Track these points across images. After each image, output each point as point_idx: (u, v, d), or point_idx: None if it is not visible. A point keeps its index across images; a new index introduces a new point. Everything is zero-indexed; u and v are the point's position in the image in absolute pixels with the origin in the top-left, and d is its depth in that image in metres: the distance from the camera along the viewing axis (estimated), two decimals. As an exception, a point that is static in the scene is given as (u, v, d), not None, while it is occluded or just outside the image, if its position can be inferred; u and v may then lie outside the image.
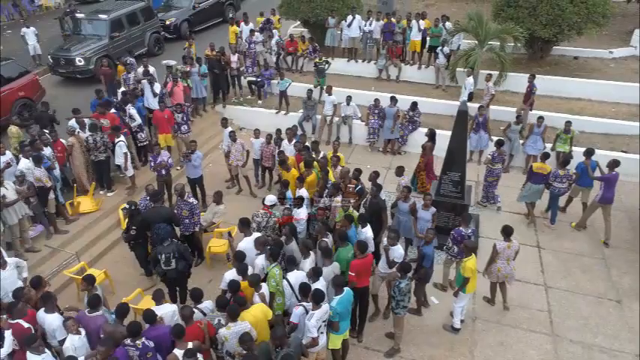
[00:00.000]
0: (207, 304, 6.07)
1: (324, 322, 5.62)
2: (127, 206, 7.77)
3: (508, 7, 13.21)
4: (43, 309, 5.81)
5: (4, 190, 7.60)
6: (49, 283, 7.13)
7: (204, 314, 5.88)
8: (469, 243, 6.85)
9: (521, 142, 10.81)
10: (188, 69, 12.15)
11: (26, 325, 5.42)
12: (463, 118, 8.17)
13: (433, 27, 13.59)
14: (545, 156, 9.24)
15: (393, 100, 11.41)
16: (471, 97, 12.01)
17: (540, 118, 10.60)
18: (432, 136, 10.00)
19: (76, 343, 5.37)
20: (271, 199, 7.76)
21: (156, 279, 8.02)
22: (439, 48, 13.20)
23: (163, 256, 6.71)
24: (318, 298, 5.55)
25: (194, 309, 5.87)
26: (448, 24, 13.57)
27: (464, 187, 8.53)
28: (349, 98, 11.92)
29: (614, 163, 8.55)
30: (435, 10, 18.25)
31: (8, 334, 5.45)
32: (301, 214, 7.63)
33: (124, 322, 5.67)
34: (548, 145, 10.68)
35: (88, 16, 15.78)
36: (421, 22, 13.70)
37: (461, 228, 7.30)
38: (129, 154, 9.58)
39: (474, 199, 9.73)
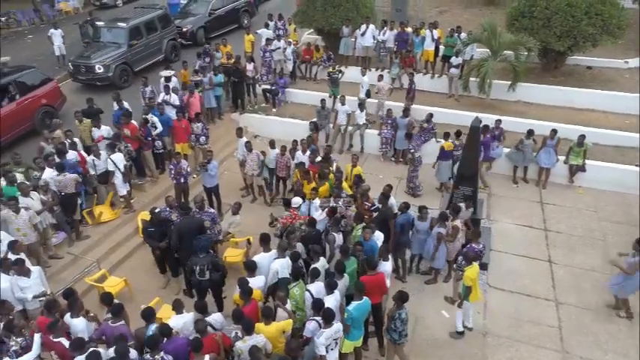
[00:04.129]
0: (217, 317, 6.20)
1: (334, 340, 5.75)
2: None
3: (522, 18, 13.23)
4: (68, 314, 6.07)
5: (29, 201, 7.90)
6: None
7: (215, 328, 5.99)
8: (468, 253, 7.00)
9: (534, 154, 10.86)
10: (199, 78, 12.39)
11: (67, 344, 5.61)
12: (475, 133, 8.28)
13: (448, 37, 13.66)
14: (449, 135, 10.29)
15: (406, 111, 11.53)
16: (368, 95, 12.73)
17: (553, 130, 10.64)
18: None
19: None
20: (297, 200, 8.10)
21: (174, 286, 8.31)
22: (453, 58, 13.28)
23: (198, 267, 6.94)
24: (328, 317, 5.68)
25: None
26: (463, 34, 13.63)
27: (476, 202, 8.63)
28: (361, 106, 12.10)
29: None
30: (448, 16, 18.31)
31: (37, 338, 5.68)
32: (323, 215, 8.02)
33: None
34: (562, 158, 10.74)
35: (107, 24, 16.14)
36: (434, 31, 13.80)
37: (473, 244, 7.40)
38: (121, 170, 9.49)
39: (486, 212, 9.82)
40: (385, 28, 14.36)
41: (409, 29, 14.37)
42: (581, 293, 8.12)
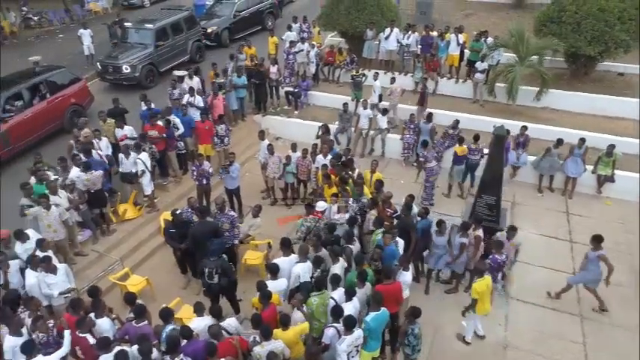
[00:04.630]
0: (231, 322, 6.21)
1: (355, 347, 5.75)
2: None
3: (551, 23, 12.96)
4: (93, 314, 6.19)
5: (57, 199, 8.10)
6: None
7: (229, 333, 6.01)
8: (480, 265, 6.91)
9: (561, 162, 10.61)
10: (222, 80, 12.51)
11: (92, 341, 5.75)
12: (500, 142, 8.14)
13: (474, 42, 13.47)
14: (463, 140, 10.31)
15: (429, 116, 11.41)
16: (381, 99, 12.66)
17: (581, 139, 10.39)
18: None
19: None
20: (322, 205, 8.14)
21: (195, 286, 8.41)
22: (478, 63, 13.09)
23: (207, 270, 7.01)
24: (349, 324, 5.67)
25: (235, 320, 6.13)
26: (489, 39, 13.43)
27: (499, 211, 8.48)
28: (385, 111, 12.02)
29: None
30: (474, 20, 18.07)
31: (67, 335, 5.82)
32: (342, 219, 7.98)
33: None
34: (589, 167, 10.48)
35: (135, 25, 16.45)
36: (460, 35, 13.63)
37: (496, 255, 7.28)
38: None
39: (509, 221, 9.63)
40: (409, 32, 14.25)
41: (434, 33, 14.24)
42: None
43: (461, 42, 13.58)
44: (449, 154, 11.06)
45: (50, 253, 7.19)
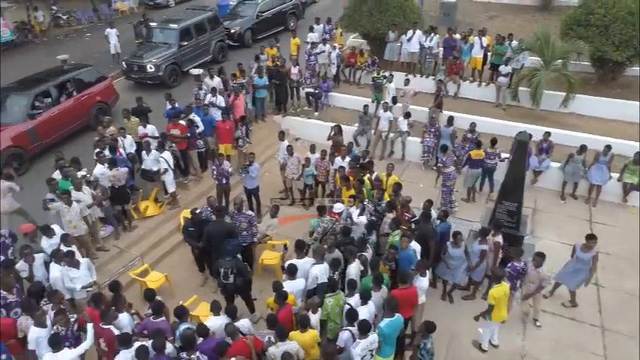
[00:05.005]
0: (245, 323, 6.25)
1: (370, 351, 5.74)
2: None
3: (578, 26, 12.67)
4: (113, 308, 6.33)
5: (81, 195, 8.32)
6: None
7: (243, 334, 6.05)
8: (497, 271, 6.82)
9: (585, 169, 10.38)
10: (243, 80, 12.63)
11: (117, 332, 5.92)
12: (523, 147, 8.01)
13: (498, 45, 13.28)
14: (481, 144, 10.19)
15: (450, 120, 11.31)
16: (394, 101, 12.47)
17: (607, 146, 10.14)
18: None
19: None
20: (339, 206, 8.17)
21: (212, 284, 8.52)
22: (502, 66, 12.89)
23: (222, 270, 7.09)
24: (364, 328, 5.68)
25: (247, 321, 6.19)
26: (514, 42, 13.22)
27: (520, 218, 8.35)
28: (407, 115, 11.95)
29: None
30: (499, 22, 17.80)
31: (90, 328, 5.98)
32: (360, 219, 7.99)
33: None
34: (615, 175, 10.22)
35: (159, 25, 16.74)
36: (483, 38, 13.45)
37: (515, 263, 7.17)
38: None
39: (530, 228, 9.48)
40: (432, 34, 14.13)
41: (457, 35, 14.09)
42: (629, 321, 7.69)
43: (484, 45, 13.40)
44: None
45: (74, 248, 7.39)
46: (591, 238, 7.48)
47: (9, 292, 6.57)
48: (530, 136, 9.97)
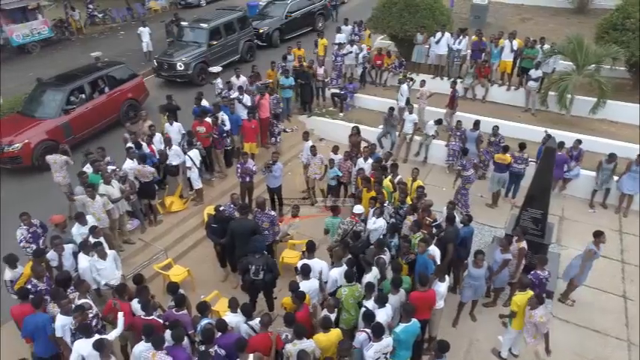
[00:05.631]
0: (258, 322, 6.25)
1: (384, 354, 5.73)
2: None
3: (614, 31, 12.31)
4: (136, 299, 6.52)
5: (110, 188, 8.58)
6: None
7: (255, 332, 6.12)
8: (523, 278, 6.70)
9: (615, 178, 10.07)
10: (269, 80, 12.78)
11: (161, 320, 6.12)
12: (550, 154, 7.84)
13: (529, 48, 13.01)
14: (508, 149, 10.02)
15: (477, 124, 11.15)
16: (408, 103, 12.39)
17: (641, 155, 9.81)
18: None
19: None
20: (359, 208, 8.16)
21: (233, 280, 8.67)
22: (532, 70, 12.63)
23: (253, 267, 7.18)
24: (377, 331, 5.67)
25: (245, 324, 6.23)
26: (546, 46, 12.93)
27: (545, 226, 8.17)
28: (439, 121, 11.86)
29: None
30: (532, 25, 17.44)
31: (121, 317, 6.18)
32: (377, 223, 7.92)
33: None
34: (648, 185, 9.88)
35: (190, 24, 17.08)
36: (514, 41, 13.20)
37: (538, 271, 7.03)
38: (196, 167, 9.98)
39: (556, 236, 9.27)
40: (461, 37, 13.96)
41: (485, 38, 13.87)
42: (658, 336, 7.44)
43: (515, 48, 13.15)
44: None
45: (102, 239, 7.63)
46: (600, 235, 7.51)
47: (39, 281, 6.83)
48: (562, 144, 9.79)
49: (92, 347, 5.56)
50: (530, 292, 6.61)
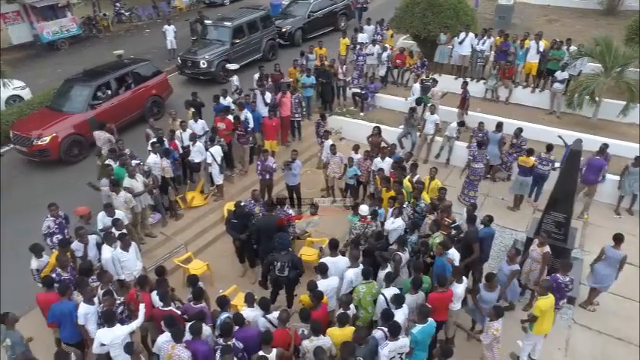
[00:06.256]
0: (276, 315, 6.30)
1: (399, 354, 5.71)
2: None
3: (645, 33, 11.99)
4: (155, 292, 6.65)
5: (134, 182, 8.76)
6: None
7: (274, 326, 6.18)
8: (545, 282, 6.57)
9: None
10: (291, 79, 12.83)
11: (179, 312, 6.24)
12: (576, 157, 7.68)
13: (555, 49, 12.77)
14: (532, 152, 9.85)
15: (499, 126, 10.99)
16: (419, 102, 12.40)
17: (668, 160, 9.54)
18: None
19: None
20: (364, 208, 8.11)
21: (251, 275, 8.76)
22: (558, 72, 12.39)
23: (279, 263, 7.25)
24: (394, 330, 5.66)
25: (263, 318, 6.29)
26: (572, 47, 12.68)
27: (568, 230, 8.02)
28: (462, 123, 11.74)
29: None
30: (558, 26, 17.13)
31: (142, 308, 6.31)
32: (396, 223, 7.91)
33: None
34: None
35: (214, 23, 17.29)
36: (540, 43, 12.98)
37: (558, 275, 6.90)
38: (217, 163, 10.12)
39: (579, 241, 9.08)
40: (485, 37, 13.79)
41: (511, 39, 13.67)
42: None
43: (541, 49, 12.93)
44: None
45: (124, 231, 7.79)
46: (619, 238, 7.41)
47: (64, 270, 7.01)
48: (605, 146, 9.61)
49: (123, 350, 5.70)
50: (552, 297, 6.49)
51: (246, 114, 11.04)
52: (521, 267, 7.57)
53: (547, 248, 7.38)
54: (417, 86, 12.68)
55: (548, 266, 7.58)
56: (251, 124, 11.06)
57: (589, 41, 12.87)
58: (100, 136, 10.44)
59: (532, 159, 9.79)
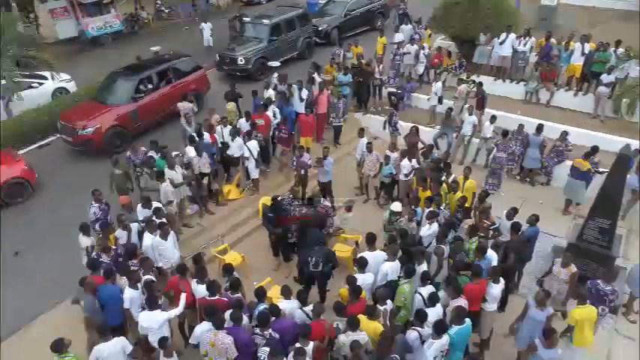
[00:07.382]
0: (311, 308, 6.35)
1: (441, 352, 5.68)
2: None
3: (699, 35, 11.45)
4: (196, 280, 6.78)
5: (173, 173, 8.99)
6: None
7: (310, 318, 6.21)
8: (581, 290, 6.42)
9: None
10: (329, 77, 12.88)
11: (226, 299, 6.40)
12: (624, 162, 7.43)
13: (601, 52, 12.36)
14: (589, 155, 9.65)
15: (540, 129, 10.72)
16: (440, 102, 12.63)
17: None
18: None
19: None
20: (396, 205, 8.09)
21: (285, 269, 8.85)
22: (604, 75, 11.98)
23: (313, 259, 7.32)
24: (439, 329, 5.64)
25: (300, 310, 6.34)
26: (620, 49, 12.24)
27: (612, 237, 7.76)
28: (493, 118, 11.51)
29: None
30: (602, 28, 16.52)
31: (183, 297, 6.47)
32: (432, 228, 7.80)
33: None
34: None
35: (252, 20, 17.53)
36: (586, 45, 12.58)
37: (599, 281, 6.67)
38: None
39: (623, 249, 8.77)
40: (527, 38, 13.47)
41: (553, 40, 13.31)
42: None
43: (586, 51, 12.52)
44: (558, 170, 10.32)
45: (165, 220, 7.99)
46: None
47: (106, 254, 7.25)
48: (639, 150, 9.26)
49: (157, 344, 5.82)
50: (590, 307, 6.18)
51: (274, 108, 11.14)
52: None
53: (573, 268, 7.07)
54: (439, 85, 12.58)
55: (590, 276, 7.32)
56: (277, 119, 11.12)
57: (637, 44, 12.38)
58: (184, 105, 11.44)
59: (588, 162, 9.47)
